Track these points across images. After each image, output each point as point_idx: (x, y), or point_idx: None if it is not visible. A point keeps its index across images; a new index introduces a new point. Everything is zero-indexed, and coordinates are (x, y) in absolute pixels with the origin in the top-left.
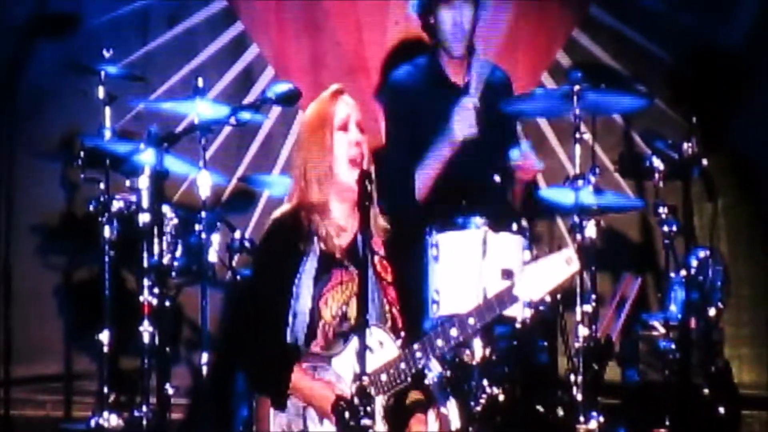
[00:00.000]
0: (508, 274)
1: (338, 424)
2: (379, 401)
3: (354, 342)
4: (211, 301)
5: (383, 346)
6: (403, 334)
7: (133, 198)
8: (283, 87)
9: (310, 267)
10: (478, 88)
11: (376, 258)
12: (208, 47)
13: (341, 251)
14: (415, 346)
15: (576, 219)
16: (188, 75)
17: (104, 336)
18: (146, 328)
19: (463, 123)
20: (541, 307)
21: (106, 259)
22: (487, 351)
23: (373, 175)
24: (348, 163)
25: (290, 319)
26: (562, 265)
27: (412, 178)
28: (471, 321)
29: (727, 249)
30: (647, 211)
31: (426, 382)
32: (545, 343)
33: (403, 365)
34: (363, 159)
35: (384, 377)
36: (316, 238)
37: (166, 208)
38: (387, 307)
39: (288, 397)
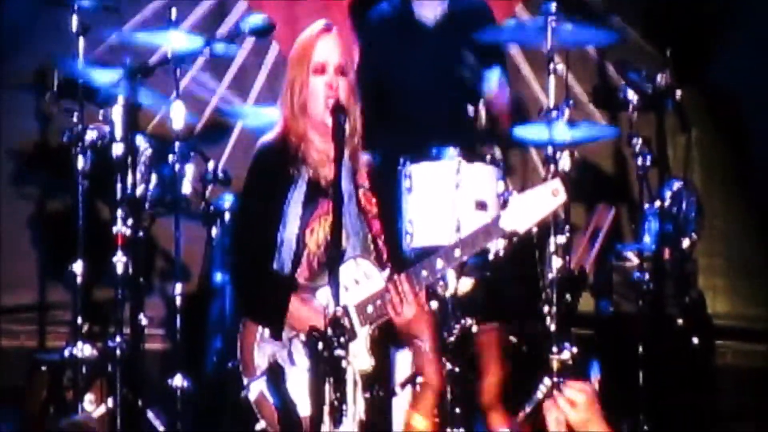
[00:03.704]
0: (481, 205)
1: (311, 354)
2: (365, 332)
3: (338, 273)
4: (185, 231)
5: (369, 278)
6: (389, 265)
7: (107, 128)
8: (257, 19)
9: (298, 194)
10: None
11: (361, 191)
12: None
13: (326, 181)
14: (402, 277)
15: (550, 151)
16: (161, 6)
17: (78, 267)
18: (120, 259)
19: None
20: (514, 238)
21: (80, 189)
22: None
23: (348, 109)
24: (324, 104)
25: (277, 246)
26: (548, 197)
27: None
28: (457, 253)
29: (701, 181)
30: (621, 142)
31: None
32: (519, 274)
33: (388, 296)
34: (338, 101)
35: (370, 308)
36: (304, 166)
37: (139, 139)
38: (371, 239)
39: (284, 325)
